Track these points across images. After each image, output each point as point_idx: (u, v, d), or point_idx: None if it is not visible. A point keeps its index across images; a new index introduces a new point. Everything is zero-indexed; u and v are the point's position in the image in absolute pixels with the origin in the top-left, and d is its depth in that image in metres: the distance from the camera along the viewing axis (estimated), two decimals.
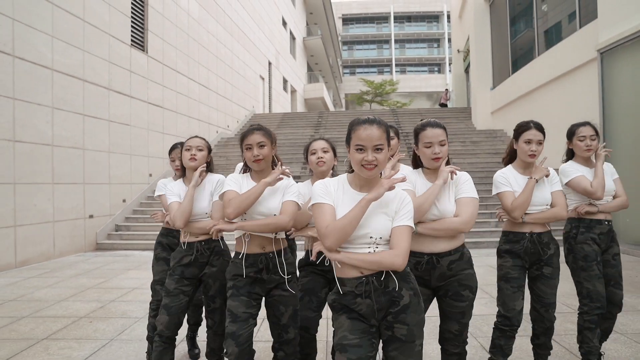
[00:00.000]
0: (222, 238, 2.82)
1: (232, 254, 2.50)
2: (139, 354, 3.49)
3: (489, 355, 2.74)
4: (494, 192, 2.75)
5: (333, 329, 1.89)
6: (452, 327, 2.25)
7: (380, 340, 1.88)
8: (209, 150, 2.86)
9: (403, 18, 60.98)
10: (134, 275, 6.48)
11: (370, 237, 1.80)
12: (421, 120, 2.38)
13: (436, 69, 60.51)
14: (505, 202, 2.66)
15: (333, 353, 2.50)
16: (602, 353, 2.93)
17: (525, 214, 2.63)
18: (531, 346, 2.86)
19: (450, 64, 51.67)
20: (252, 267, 2.32)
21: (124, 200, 10.24)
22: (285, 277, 2.37)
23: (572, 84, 10.04)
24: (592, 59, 8.68)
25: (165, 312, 2.62)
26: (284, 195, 2.35)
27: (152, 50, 11.52)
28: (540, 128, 2.69)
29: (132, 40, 10.65)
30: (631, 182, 7.53)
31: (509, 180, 2.71)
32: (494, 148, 14.06)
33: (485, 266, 6.75)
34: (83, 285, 5.86)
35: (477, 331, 3.86)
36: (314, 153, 2.79)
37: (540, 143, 2.66)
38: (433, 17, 60.82)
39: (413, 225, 1.86)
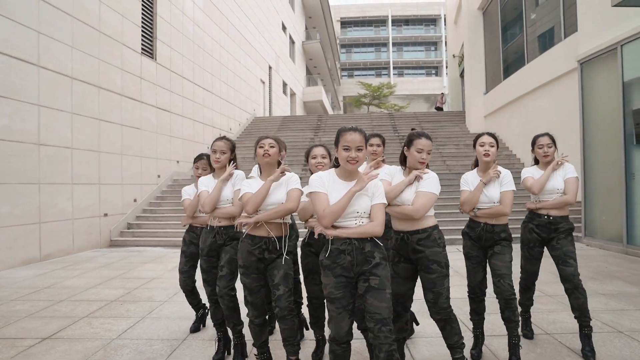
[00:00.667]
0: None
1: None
2: (169, 327, 4.10)
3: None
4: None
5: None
6: (428, 296, 2.85)
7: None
8: (232, 149, 3.48)
9: (401, 21, 61.62)
10: (152, 268, 7.09)
11: (357, 212, 2.45)
12: (412, 129, 3.02)
13: (433, 71, 61.12)
14: (460, 199, 3.31)
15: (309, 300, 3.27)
16: (591, 327, 3.43)
17: (478, 209, 3.27)
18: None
19: (447, 67, 52.36)
20: (257, 247, 2.92)
21: (134, 200, 10.84)
22: (284, 254, 2.96)
23: (557, 92, 10.69)
24: (573, 68, 9.32)
25: (207, 284, 3.43)
26: (287, 185, 2.96)
27: (161, 58, 12.14)
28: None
29: (142, 48, 11.26)
30: (606, 184, 8.18)
31: (467, 181, 3.35)
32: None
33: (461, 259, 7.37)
34: (107, 276, 6.47)
35: (467, 320, 4.47)
36: (315, 158, 3.36)
37: (492, 146, 3.25)
38: (430, 21, 61.45)
39: (386, 202, 2.53)
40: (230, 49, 17.62)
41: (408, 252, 2.86)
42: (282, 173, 2.97)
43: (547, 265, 6.48)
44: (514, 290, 3.20)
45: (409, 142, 2.92)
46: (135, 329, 4.07)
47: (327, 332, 3.23)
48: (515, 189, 3.27)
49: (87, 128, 9.03)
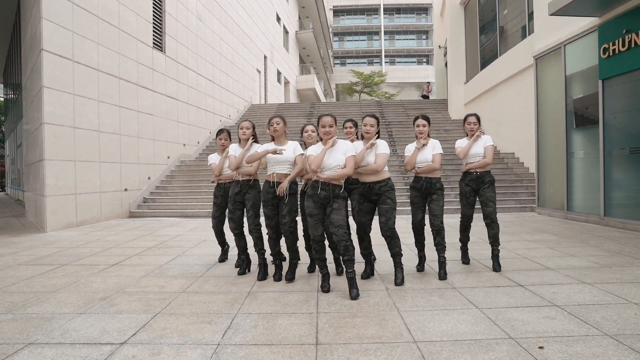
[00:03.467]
0: (257, 180, 4.93)
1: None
2: (201, 259, 5.59)
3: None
4: None
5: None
6: (381, 220, 4.36)
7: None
8: (254, 127, 4.95)
9: (393, 10, 62.47)
10: (172, 230, 8.56)
11: (336, 165, 3.99)
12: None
13: (424, 60, 62.14)
14: (404, 161, 4.83)
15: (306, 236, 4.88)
16: (499, 250, 5.03)
17: (418, 167, 4.75)
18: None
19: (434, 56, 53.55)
20: (272, 189, 4.48)
21: (149, 178, 12.27)
22: (286, 197, 4.46)
23: (519, 83, 12.20)
24: (531, 64, 10.81)
25: (232, 222, 4.91)
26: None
27: (169, 50, 13.47)
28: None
29: (153, 42, 12.60)
30: (554, 162, 9.72)
31: (410, 149, 4.83)
32: (463, 135, 16.18)
33: None
34: (138, 235, 7.94)
35: (409, 252, 5.98)
36: (306, 132, 4.78)
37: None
38: (422, 10, 62.32)
39: (355, 155, 4.10)
40: (229, 41, 18.93)
41: (372, 195, 4.36)
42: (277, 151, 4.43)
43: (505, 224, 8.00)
44: (443, 225, 4.70)
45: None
46: (177, 260, 5.56)
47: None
48: (442, 152, 4.76)
49: (110, 114, 10.41)
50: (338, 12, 62.30)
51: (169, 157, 13.51)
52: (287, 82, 32.66)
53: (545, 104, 10.02)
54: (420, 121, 4.79)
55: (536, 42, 10.26)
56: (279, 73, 29.71)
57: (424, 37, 62.66)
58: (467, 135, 5.23)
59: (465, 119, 5.23)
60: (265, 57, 25.47)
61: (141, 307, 3.67)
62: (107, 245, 6.78)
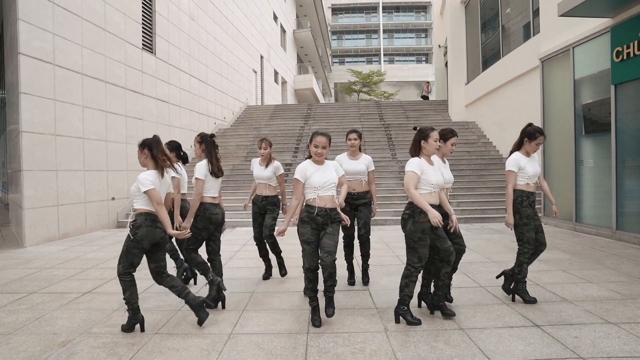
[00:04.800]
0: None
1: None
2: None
3: None
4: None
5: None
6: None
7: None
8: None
9: (391, 8, 61.98)
10: None
11: (332, 183, 3.86)
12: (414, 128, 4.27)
13: (424, 58, 61.69)
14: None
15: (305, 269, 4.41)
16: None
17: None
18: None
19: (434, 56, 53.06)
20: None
21: None
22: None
23: (523, 86, 11.72)
24: (536, 66, 10.33)
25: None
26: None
27: (160, 52, 12.98)
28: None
29: (143, 44, 12.11)
30: (561, 170, 9.25)
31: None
32: (465, 138, 15.74)
33: None
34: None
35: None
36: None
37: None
38: (421, 8, 61.83)
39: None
40: (224, 41, 18.43)
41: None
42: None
43: (505, 241, 7.52)
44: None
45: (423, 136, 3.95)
46: (156, 286, 5.08)
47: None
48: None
49: (96, 120, 9.92)
50: (336, 10, 61.78)
51: None
52: (284, 82, 32.16)
53: (552, 108, 9.55)
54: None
55: (542, 43, 9.79)
56: (276, 73, 29.21)
57: (423, 35, 62.19)
58: (520, 150, 4.48)
59: (533, 136, 4.37)
60: (261, 57, 24.97)
61: (104, 358, 3.19)
62: (85, 265, 6.30)
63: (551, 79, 9.53)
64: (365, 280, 5.11)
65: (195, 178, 4.29)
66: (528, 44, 11.39)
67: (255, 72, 23.86)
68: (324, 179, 3.79)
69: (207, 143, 4.44)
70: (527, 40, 11.88)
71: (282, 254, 5.42)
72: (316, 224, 3.78)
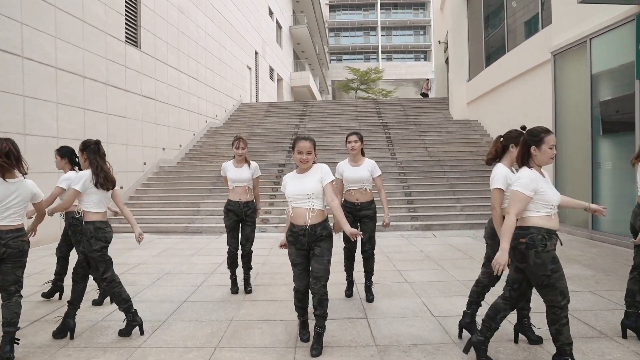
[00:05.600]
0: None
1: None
2: (152, 310, 4.39)
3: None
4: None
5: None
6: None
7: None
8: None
9: (390, 5, 61.41)
10: (137, 254, 7.36)
11: (307, 194, 3.35)
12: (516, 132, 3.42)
13: (422, 56, 61.15)
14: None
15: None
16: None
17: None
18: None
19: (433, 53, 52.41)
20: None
21: (121, 187, 11.04)
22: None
23: (532, 82, 11.01)
24: (547, 60, 9.62)
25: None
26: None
27: (145, 46, 12.22)
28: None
29: (126, 37, 11.35)
30: (574, 173, 8.55)
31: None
32: (468, 137, 15.05)
33: (445, 245, 7.73)
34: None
35: (422, 292, 4.81)
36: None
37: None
38: (419, 5, 61.31)
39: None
40: (216, 36, 17.67)
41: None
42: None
43: None
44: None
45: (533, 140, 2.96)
46: (119, 313, 4.34)
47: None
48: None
49: (72, 117, 9.18)
50: (334, 7, 61.13)
51: (145, 164, 12.28)
52: (280, 79, 31.40)
53: (566, 106, 8.84)
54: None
55: (554, 35, 9.08)
56: (271, 70, 28.45)
57: (421, 32, 61.63)
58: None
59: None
60: (256, 53, 24.21)
61: None
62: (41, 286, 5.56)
63: (564, 73, 8.82)
64: (370, 298, 4.59)
65: (70, 188, 3.80)
66: (537, 37, 10.67)
67: (250, 68, 23.11)
68: (296, 189, 3.35)
69: (90, 151, 3.78)
70: (535, 33, 11.16)
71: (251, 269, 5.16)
72: (300, 244, 3.38)
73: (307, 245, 3.36)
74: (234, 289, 4.99)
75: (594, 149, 7.93)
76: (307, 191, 3.29)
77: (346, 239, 4.42)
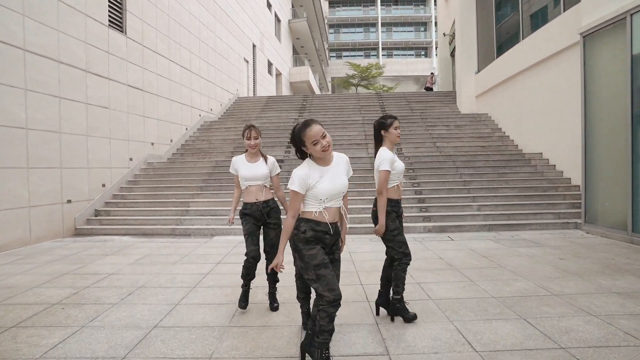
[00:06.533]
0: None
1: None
2: (110, 340, 3.41)
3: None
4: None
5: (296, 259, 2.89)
6: None
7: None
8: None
9: (390, 1, 60.54)
10: (112, 261, 6.38)
11: (342, 192, 2.93)
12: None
13: (423, 52, 60.36)
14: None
15: (297, 277, 3.48)
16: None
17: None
18: None
19: (437, 48, 51.50)
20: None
21: (103, 185, 10.06)
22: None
23: (556, 68, 10.04)
24: (575, 42, 8.66)
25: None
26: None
27: (131, 31, 11.23)
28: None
29: (110, 20, 10.35)
30: (610, 168, 7.59)
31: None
32: (478, 132, 14.08)
33: (466, 250, 6.76)
34: (58, 272, 5.74)
35: (453, 315, 3.85)
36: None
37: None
38: (420, 1, 60.44)
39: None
40: (211, 25, 16.66)
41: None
42: None
43: (550, 257, 5.87)
44: None
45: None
46: (68, 343, 3.38)
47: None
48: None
49: (44, 106, 8.18)
50: (334, 3, 60.20)
51: (131, 159, 11.28)
52: (279, 74, 30.37)
53: (598, 93, 7.86)
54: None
55: (585, 14, 8.09)
56: (270, 64, 27.42)
57: (422, 29, 60.76)
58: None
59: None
60: (254, 46, 23.18)
61: None
62: None
63: (597, 56, 7.84)
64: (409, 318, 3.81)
65: None
66: (561, 19, 9.69)
67: (247, 61, 22.09)
68: (331, 187, 2.84)
69: None
70: (557, 16, 10.18)
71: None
72: (324, 245, 2.90)
73: (331, 247, 2.96)
74: (243, 304, 4.02)
75: (634, 141, 6.95)
76: (342, 188, 2.89)
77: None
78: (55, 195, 8.49)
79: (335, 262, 2.96)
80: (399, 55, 59.98)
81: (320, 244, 2.84)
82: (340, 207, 2.93)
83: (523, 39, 12.23)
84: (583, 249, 6.67)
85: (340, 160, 2.93)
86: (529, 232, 8.30)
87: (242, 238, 8.31)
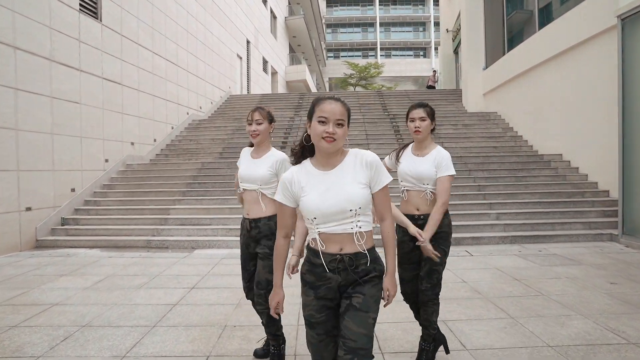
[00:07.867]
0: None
1: None
2: None
3: None
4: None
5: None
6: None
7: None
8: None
9: (388, 1, 59.80)
10: (64, 284, 5.23)
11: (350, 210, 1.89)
12: None
13: (421, 53, 59.65)
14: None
15: None
16: None
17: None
18: None
19: (436, 48, 50.66)
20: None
21: (72, 190, 8.90)
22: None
23: (581, 58, 8.96)
24: (608, 27, 7.58)
25: None
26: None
27: (108, 19, 10.09)
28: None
29: (81, 5, 9.21)
30: None
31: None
32: (488, 131, 13.01)
33: (491, 269, 5.64)
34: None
35: None
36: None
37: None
38: (419, 0, 59.71)
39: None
40: (201, 18, 15.53)
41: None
42: None
43: (597, 280, 4.64)
44: None
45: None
46: None
47: None
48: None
49: None
50: (331, 2, 59.33)
51: (107, 161, 10.12)
52: (274, 73, 29.25)
53: (638, 85, 6.77)
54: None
55: None
56: (265, 61, 26.29)
57: (421, 29, 60.02)
58: None
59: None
60: (248, 42, 22.05)
61: None
62: None
63: (637, 41, 6.75)
64: None
65: None
66: (590, 3, 8.59)
67: (241, 57, 20.96)
68: (327, 200, 1.88)
69: None
70: (579, 3, 9.10)
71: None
72: (326, 289, 1.94)
73: (338, 292, 1.95)
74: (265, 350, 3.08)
75: None
76: (345, 204, 1.87)
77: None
78: (11, 202, 7.34)
79: (349, 312, 1.87)
80: (397, 55, 59.24)
81: (321, 284, 1.92)
82: (354, 233, 1.88)
83: (539, 29, 11.15)
84: (632, 268, 5.56)
85: (354, 162, 1.93)
86: (558, 244, 7.20)
87: (226, 252, 7.20)
